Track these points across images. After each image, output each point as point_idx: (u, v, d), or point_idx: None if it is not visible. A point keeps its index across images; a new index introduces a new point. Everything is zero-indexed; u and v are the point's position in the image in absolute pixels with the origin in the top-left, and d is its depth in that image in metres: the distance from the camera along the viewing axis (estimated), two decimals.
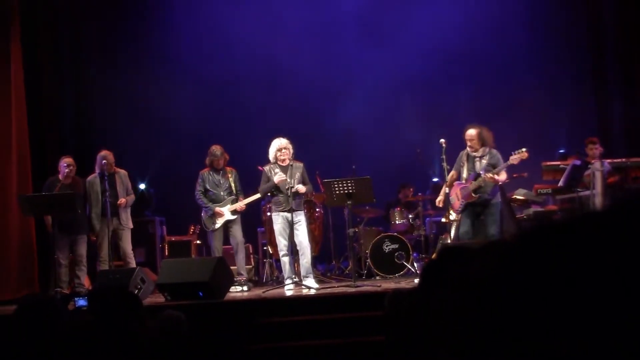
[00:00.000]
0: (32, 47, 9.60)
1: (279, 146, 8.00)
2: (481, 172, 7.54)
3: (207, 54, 11.31)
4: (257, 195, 8.50)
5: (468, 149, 7.73)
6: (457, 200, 7.77)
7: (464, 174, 7.75)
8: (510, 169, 7.69)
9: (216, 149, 8.60)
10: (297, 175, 7.93)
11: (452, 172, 7.91)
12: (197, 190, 8.62)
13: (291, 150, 8.06)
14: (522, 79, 11.14)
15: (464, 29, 11.05)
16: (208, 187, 8.58)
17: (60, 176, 8.53)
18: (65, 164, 8.49)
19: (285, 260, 7.97)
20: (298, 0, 11.67)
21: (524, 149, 7.43)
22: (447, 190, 7.75)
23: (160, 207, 10.68)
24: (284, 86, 11.32)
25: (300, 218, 7.95)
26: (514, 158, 7.42)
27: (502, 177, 7.56)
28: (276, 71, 11.32)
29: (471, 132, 7.66)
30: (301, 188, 7.92)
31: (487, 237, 7.50)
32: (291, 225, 7.86)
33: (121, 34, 11.28)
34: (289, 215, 7.83)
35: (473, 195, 7.57)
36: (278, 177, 7.88)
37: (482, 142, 7.67)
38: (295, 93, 11.24)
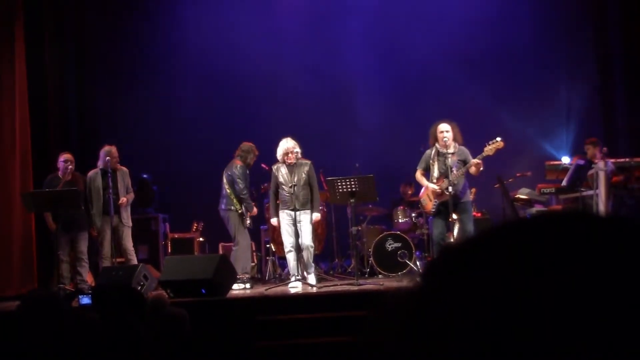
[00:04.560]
0: (36, 44, 9.60)
1: (286, 149, 7.95)
2: (453, 167, 7.34)
3: (211, 52, 11.29)
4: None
5: (438, 145, 7.51)
6: (429, 202, 7.64)
7: (435, 173, 7.56)
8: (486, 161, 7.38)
9: (254, 147, 8.51)
10: (303, 174, 7.93)
11: (419, 171, 7.74)
12: (247, 188, 8.43)
13: (299, 152, 8.04)
14: (527, 77, 11.12)
15: (467, 29, 11.04)
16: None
17: (59, 173, 8.51)
18: (64, 161, 8.48)
19: (289, 257, 7.99)
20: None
21: (498, 139, 7.21)
22: (432, 185, 7.55)
23: (163, 204, 10.68)
24: (287, 84, 11.31)
25: (304, 217, 7.93)
26: (489, 149, 7.20)
27: (481, 167, 7.30)
28: (280, 69, 11.31)
29: (446, 126, 7.48)
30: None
31: (466, 236, 7.36)
32: (295, 223, 7.87)
33: (126, 31, 11.28)
34: (293, 213, 7.85)
35: (446, 192, 7.40)
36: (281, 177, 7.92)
37: (454, 138, 7.52)
38: (299, 91, 11.23)
